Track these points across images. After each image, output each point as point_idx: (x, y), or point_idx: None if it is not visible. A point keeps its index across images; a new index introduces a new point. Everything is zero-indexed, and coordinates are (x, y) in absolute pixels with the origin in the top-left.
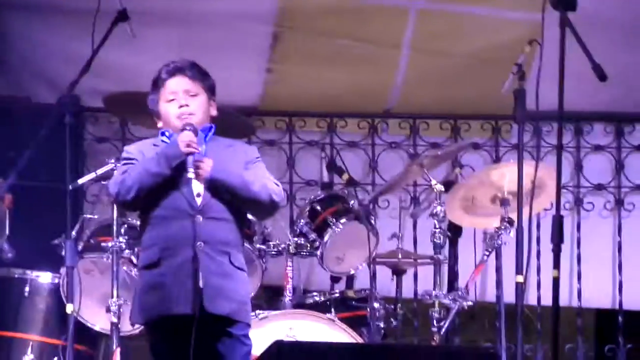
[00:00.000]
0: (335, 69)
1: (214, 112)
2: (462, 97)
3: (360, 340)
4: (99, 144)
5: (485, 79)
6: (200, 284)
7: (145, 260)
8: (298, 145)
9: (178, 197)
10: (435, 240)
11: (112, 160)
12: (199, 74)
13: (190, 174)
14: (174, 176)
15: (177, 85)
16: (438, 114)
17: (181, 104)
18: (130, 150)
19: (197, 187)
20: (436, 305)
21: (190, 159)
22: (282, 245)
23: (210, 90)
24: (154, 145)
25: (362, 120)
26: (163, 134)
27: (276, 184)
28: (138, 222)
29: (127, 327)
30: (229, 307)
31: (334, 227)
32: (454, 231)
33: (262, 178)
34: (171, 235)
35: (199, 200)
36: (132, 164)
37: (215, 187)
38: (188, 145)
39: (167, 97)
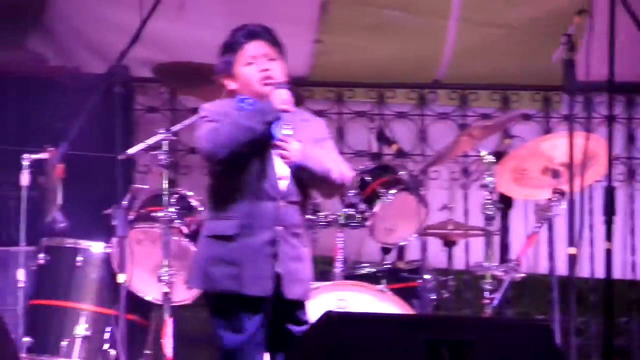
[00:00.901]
0: (383, 39)
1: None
2: (512, 67)
3: (411, 311)
4: (148, 113)
5: (535, 49)
6: (280, 269)
7: (219, 230)
8: (347, 116)
9: (262, 176)
10: (486, 211)
11: (162, 130)
12: (275, 38)
13: (285, 131)
14: (263, 139)
15: (257, 49)
16: (488, 85)
17: (263, 67)
18: (210, 108)
19: (281, 170)
20: (488, 277)
21: (278, 132)
22: (332, 216)
23: (284, 56)
24: (235, 109)
25: (411, 91)
26: (242, 100)
27: (347, 167)
28: (189, 193)
29: (178, 297)
30: (300, 290)
31: (383, 197)
32: (505, 202)
33: (338, 162)
34: (252, 213)
35: (282, 183)
36: (216, 121)
37: (299, 173)
38: (283, 103)
39: (246, 60)
